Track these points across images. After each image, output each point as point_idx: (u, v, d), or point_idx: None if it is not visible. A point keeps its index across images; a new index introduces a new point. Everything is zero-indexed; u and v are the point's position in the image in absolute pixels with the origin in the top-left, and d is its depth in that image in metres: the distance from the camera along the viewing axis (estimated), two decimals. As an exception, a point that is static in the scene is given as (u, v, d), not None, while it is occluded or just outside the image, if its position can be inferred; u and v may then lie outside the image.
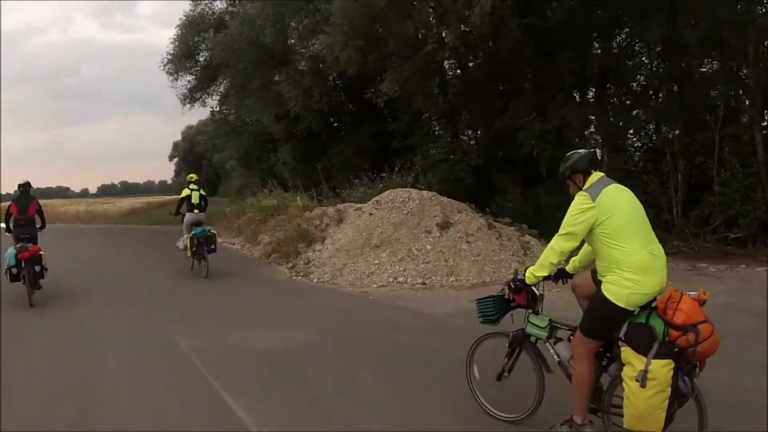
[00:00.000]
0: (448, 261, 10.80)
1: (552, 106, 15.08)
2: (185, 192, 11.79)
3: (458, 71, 19.21)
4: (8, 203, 9.58)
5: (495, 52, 15.42)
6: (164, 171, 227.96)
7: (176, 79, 25.79)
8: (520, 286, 3.76)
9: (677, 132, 14.07)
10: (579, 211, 3.45)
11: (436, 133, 20.78)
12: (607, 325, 3.48)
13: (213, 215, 18.86)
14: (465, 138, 19.88)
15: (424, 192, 13.07)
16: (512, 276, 3.86)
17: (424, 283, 10.19)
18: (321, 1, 18.92)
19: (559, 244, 3.52)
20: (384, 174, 16.83)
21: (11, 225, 9.21)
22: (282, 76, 21.24)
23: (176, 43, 25.08)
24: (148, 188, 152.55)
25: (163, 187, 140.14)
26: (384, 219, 12.09)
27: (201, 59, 25.81)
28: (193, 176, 12.19)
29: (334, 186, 20.46)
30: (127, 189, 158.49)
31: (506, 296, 3.95)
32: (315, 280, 10.90)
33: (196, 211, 11.62)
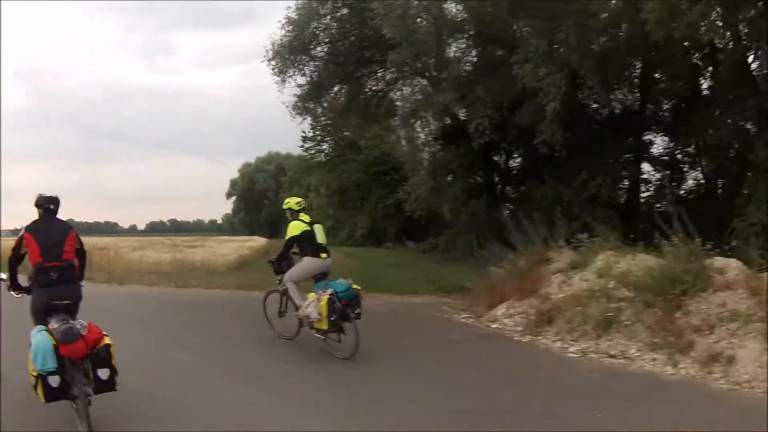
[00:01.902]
0: None
1: None
2: (299, 227, 6.73)
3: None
4: (18, 236, 4.84)
5: None
6: (212, 211, 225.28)
7: (283, 81, 17.80)
8: None
9: None
10: None
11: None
12: None
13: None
14: None
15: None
16: None
17: None
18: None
19: None
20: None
21: (31, 277, 4.68)
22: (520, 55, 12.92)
23: (287, 28, 17.21)
24: (197, 227, 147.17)
25: (213, 227, 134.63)
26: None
27: (320, 51, 17.86)
28: (301, 201, 7.09)
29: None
30: (176, 227, 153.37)
31: None
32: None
33: (323, 255, 6.77)
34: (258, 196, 69.80)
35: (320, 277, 6.63)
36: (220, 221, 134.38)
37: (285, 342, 7.02)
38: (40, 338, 4.17)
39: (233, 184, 75.59)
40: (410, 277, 13.33)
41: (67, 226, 4.95)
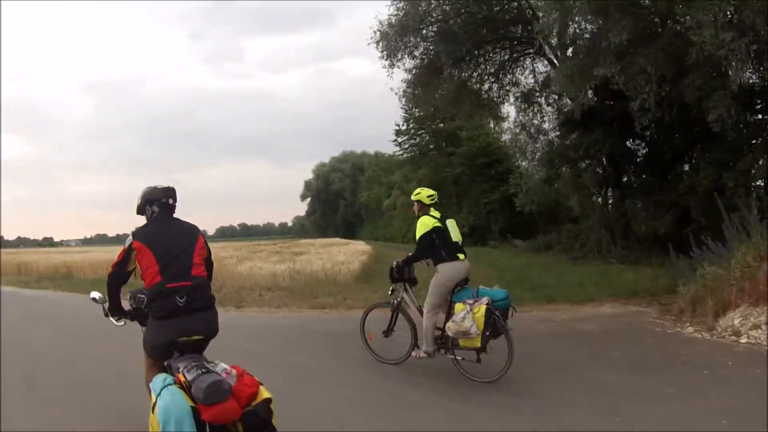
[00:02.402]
0: None
1: None
2: (429, 222, 5.45)
3: None
4: (125, 245, 3.42)
5: None
6: (281, 213, 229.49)
7: (392, 65, 16.27)
8: None
9: None
10: None
11: None
12: None
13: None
14: None
15: None
16: None
17: None
18: None
19: None
20: None
21: (147, 301, 3.33)
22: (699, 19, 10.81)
23: (396, 5, 15.69)
24: (267, 230, 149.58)
25: (283, 229, 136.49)
26: None
27: (431, 31, 16.20)
28: (434, 195, 5.72)
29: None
30: (246, 231, 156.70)
31: None
32: None
33: (461, 256, 5.45)
34: (333, 196, 69.26)
35: (464, 283, 5.38)
36: (290, 224, 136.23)
37: (394, 369, 5.61)
38: (170, 399, 2.79)
39: (307, 185, 75.42)
40: (564, 281, 11.34)
41: (193, 228, 3.60)
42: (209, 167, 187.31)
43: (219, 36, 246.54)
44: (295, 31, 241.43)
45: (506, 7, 16.86)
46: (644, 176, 16.92)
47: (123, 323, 3.63)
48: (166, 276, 3.23)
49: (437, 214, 5.58)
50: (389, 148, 61.29)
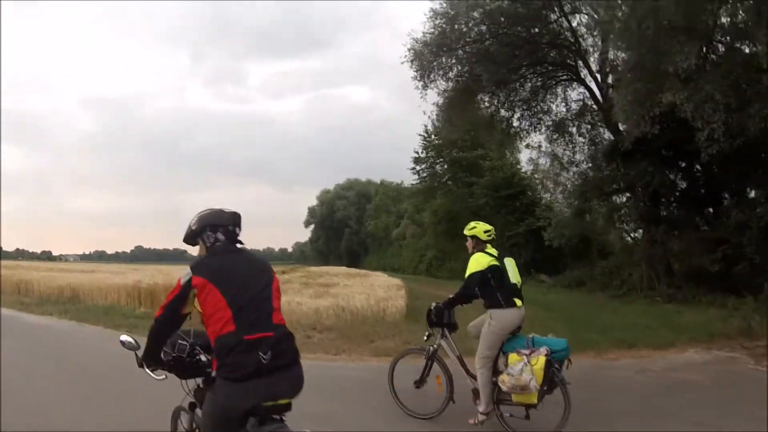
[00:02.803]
0: None
1: None
2: (485, 260, 4.73)
3: None
4: (183, 281, 2.61)
5: None
6: (281, 239, 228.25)
7: (425, 87, 15.53)
8: None
9: None
10: None
11: None
12: None
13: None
14: None
15: None
16: None
17: None
18: None
19: None
20: None
21: (217, 356, 2.54)
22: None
23: (433, 22, 15.02)
24: (268, 255, 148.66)
25: (283, 255, 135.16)
26: None
27: (468, 52, 15.48)
28: (491, 231, 4.94)
29: None
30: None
31: None
32: None
33: (518, 302, 4.74)
34: (338, 223, 68.32)
35: (516, 331, 4.73)
36: (290, 249, 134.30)
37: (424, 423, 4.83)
38: None
39: (311, 211, 74.53)
40: (627, 323, 10.24)
41: (267, 265, 2.89)
42: (208, 189, 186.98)
43: (220, 58, 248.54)
44: (295, 56, 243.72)
45: (545, 29, 16.21)
46: (685, 210, 15.97)
47: (163, 377, 2.89)
48: (241, 324, 2.53)
49: (494, 251, 4.86)
50: (394, 177, 60.84)
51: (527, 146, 19.09)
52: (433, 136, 27.13)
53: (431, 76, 15.57)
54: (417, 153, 28.69)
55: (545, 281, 20.94)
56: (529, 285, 21.27)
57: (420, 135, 28.06)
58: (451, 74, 15.77)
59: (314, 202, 75.32)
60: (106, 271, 23.18)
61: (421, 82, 15.55)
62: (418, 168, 29.58)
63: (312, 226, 75.85)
